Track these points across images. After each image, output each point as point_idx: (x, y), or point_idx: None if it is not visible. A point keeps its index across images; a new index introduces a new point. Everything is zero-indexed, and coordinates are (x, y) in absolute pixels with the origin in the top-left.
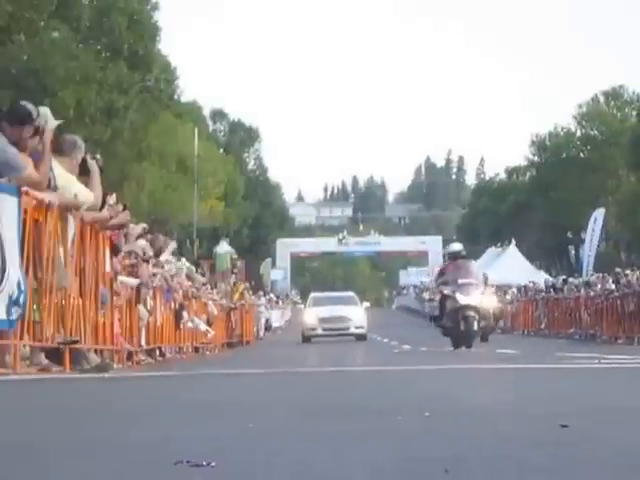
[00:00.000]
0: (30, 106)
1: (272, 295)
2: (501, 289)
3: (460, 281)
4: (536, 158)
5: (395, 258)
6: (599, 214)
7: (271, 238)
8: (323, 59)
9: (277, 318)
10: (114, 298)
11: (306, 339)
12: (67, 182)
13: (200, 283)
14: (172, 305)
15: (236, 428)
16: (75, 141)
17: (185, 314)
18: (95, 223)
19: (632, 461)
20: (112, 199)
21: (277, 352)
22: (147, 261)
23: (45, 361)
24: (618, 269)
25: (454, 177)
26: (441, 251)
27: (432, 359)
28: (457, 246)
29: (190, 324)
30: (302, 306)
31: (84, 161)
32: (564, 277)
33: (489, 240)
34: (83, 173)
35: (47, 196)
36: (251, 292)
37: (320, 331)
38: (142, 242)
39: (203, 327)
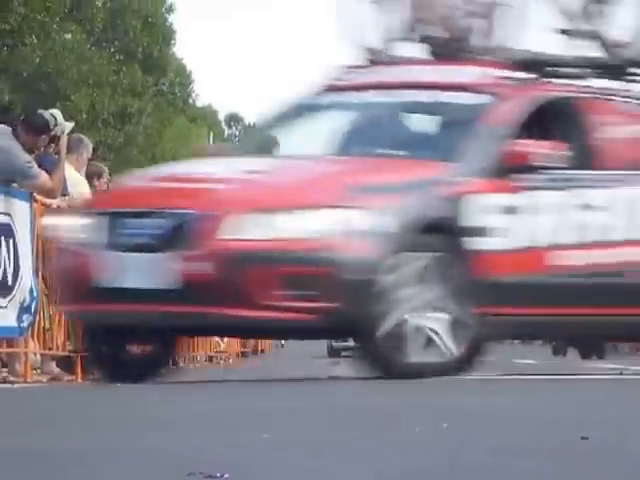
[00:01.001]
0: (47, 115)
1: None
2: None
3: None
4: None
5: None
6: None
7: None
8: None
9: None
10: None
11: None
12: (77, 183)
13: None
14: None
15: (250, 438)
16: (80, 138)
17: None
18: None
19: None
20: None
21: (292, 362)
22: None
23: (56, 370)
24: None
25: None
26: None
27: None
28: None
29: None
30: None
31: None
32: None
33: None
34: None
35: (57, 201)
36: None
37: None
38: None
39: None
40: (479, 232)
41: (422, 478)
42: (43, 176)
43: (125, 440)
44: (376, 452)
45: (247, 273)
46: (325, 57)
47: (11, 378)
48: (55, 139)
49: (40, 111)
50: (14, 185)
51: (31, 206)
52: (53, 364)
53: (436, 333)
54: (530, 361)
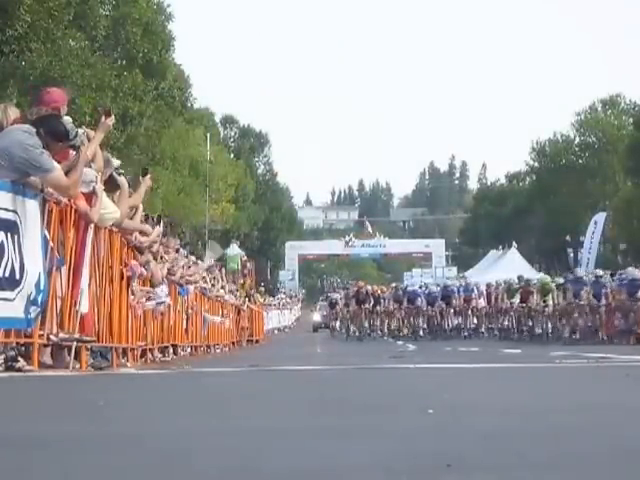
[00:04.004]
0: (69, 125)
1: (283, 295)
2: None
3: None
4: (536, 164)
5: (400, 260)
6: (600, 217)
7: (280, 240)
8: (330, 66)
9: (286, 317)
10: (129, 297)
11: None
12: (106, 202)
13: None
14: (185, 303)
15: (245, 424)
16: (108, 159)
17: (192, 312)
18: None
19: (629, 456)
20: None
21: (285, 350)
22: (159, 258)
23: (67, 358)
24: (621, 271)
25: (457, 182)
26: (444, 254)
27: (435, 358)
28: None
29: (209, 317)
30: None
31: (112, 177)
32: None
33: (490, 243)
34: (111, 189)
35: (94, 216)
36: (263, 290)
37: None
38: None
39: (218, 319)
40: None
41: (413, 461)
42: (59, 171)
43: (122, 426)
44: (366, 436)
45: None
46: None
47: (27, 367)
48: (75, 148)
49: (63, 119)
50: (30, 179)
51: (41, 204)
52: (65, 353)
53: None
54: (516, 350)
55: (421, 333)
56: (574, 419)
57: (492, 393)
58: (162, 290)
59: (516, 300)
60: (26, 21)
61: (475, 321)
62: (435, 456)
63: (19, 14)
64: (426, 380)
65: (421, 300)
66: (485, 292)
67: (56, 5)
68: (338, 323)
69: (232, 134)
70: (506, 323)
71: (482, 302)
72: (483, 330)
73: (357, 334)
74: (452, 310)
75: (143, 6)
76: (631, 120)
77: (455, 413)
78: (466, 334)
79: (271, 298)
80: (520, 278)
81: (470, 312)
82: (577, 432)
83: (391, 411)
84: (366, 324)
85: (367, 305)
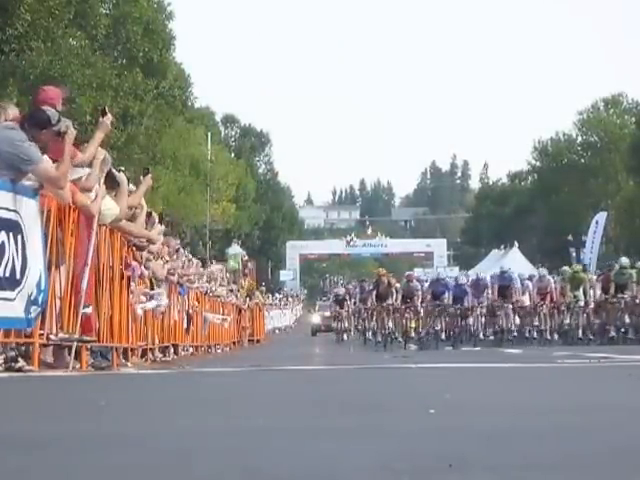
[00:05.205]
0: (50, 112)
1: (282, 294)
2: None
3: None
4: (538, 163)
5: (401, 260)
6: (600, 217)
7: (281, 240)
8: (330, 66)
9: (287, 317)
10: (129, 296)
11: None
12: (105, 199)
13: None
14: (186, 304)
15: (246, 424)
16: (105, 157)
17: (193, 313)
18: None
19: (630, 456)
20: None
21: (286, 350)
22: (161, 258)
23: (67, 358)
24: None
25: (458, 181)
26: (446, 253)
27: (437, 358)
28: None
29: (209, 317)
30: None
31: (110, 173)
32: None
33: (492, 243)
34: (110, 186)
35: (94, 209)
36: (264, 290)
37: None
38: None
39: (219, 319)
40: None
41: (415, 461)
42: (46, 162)
43: (125, 426)
44: (368, 437)
45: None
46: None
47: (27, 367)
48: (61, 134)
49: (44, 107)
50: (21, 171)
51: (38, 201)
52: (65, 352)
53: None
54: (516, 351)
55: (443, 337)
56: (576, 419)
57: (494, 393)
58: (161, 292)
59: (584, 292)
60: (26, 20)
61: (517, 321)
62: (437, 456)
63: (19, 13)
64: (427, 380)
65: (447, 295)
66: (531, 285)
67: (56, 4)
68: (347, 324)
69: (233, 133)
70: (567, 321)
71: (526, 298)
72: (528, 333)
73: (381, 337)
74: (510, 306)
75: (144, 5)
76: (633, 119)
77: (456, 413)
78: (510, 337)
79: (272, 298)
80: (585, 266)
81: (512, 309)
82: (579, 432)
83: (392, 411)
84: (391, 324)
85: (390, 300)
